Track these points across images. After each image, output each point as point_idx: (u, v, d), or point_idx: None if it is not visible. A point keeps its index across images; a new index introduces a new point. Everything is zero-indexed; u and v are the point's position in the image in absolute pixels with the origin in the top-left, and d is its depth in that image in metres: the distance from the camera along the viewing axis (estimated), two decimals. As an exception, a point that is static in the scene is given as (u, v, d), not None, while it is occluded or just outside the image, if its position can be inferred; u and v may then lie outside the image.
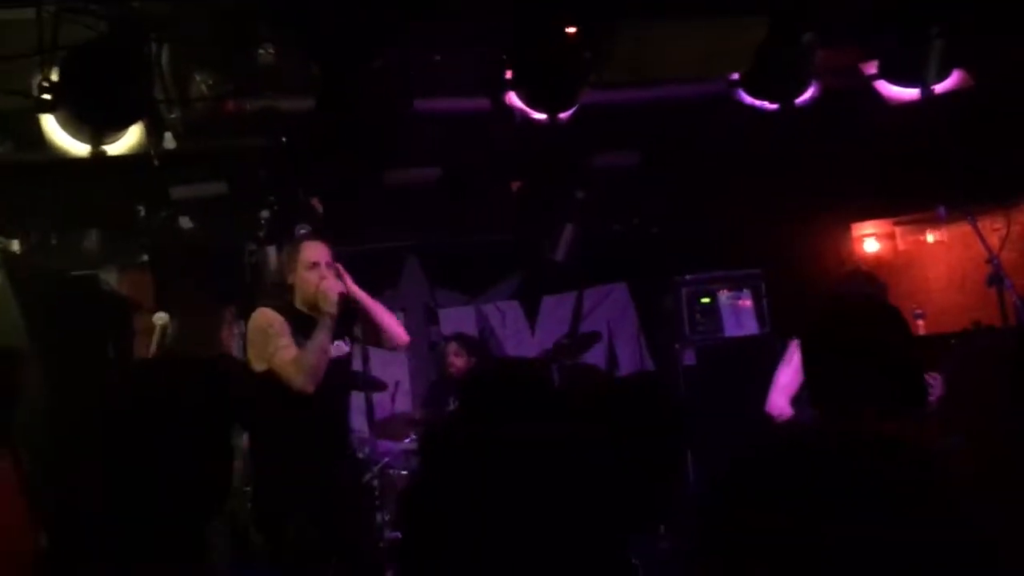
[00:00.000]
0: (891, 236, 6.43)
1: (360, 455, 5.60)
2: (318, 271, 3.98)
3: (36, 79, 3.29)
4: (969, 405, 4.03)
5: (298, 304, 3.99)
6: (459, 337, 6.12)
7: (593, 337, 6.18)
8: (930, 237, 6.23)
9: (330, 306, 3.85)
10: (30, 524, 3.85)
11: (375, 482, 5.35)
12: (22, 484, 3.82)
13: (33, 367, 3.94)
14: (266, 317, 3.94)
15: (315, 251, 4.06)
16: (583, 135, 4.67)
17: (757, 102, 3.76)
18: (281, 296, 4.07)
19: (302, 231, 5.63)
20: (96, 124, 3.36)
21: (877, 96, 3.84)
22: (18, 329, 3.95)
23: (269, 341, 3.85)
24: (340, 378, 4.08)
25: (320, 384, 3.77)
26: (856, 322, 1.99)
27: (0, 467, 3.74)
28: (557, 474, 2.04)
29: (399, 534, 4.99)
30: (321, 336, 3.79)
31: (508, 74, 3.69)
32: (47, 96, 3.24)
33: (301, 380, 3.72)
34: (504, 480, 2.06)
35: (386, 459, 5.54)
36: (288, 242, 4.83)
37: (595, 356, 6.46)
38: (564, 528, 2.03)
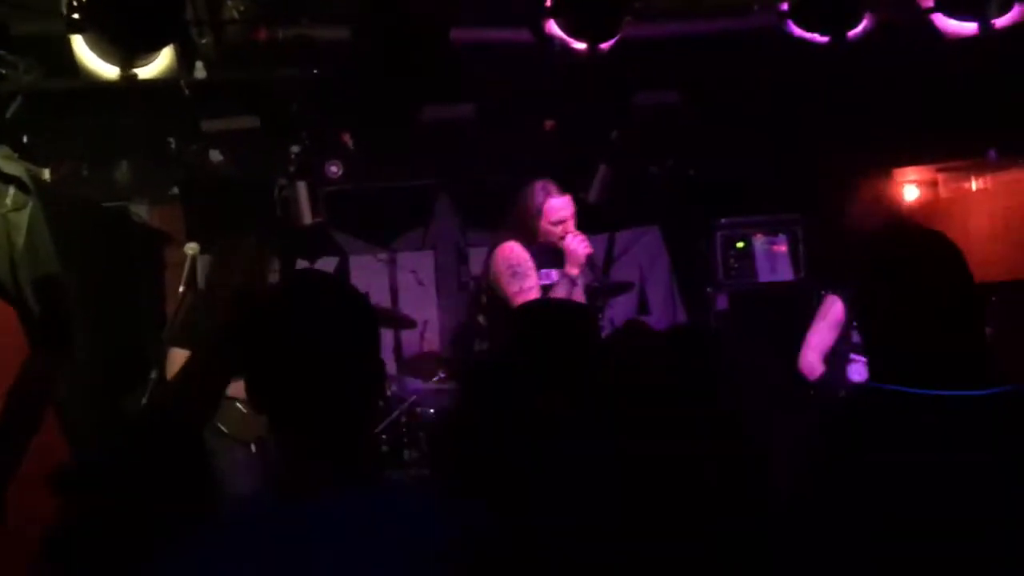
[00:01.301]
0: (933, 183, 6.27)
1: (388, 393, 5.61)
2: (563, 227, 4.23)
3: (66, -1, 3.23)
4: (1013, 358, 3.94)
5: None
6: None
7: (625, 287, 6.12)
8: (974, 185, 6.07)
9: (575, 267, 4.15)
10: (63, 451, 3.89)
11: (403, 419, 5.36)
12: (55, 409, 3.84)
13: (65, 297, 3.94)
14: (515, 254, 4.22)
15: (561, 207, 4.27)
16: (621, 72, 4.55)
17: (807, 34, 3.61)
18: (528, 228, 4.26)
19: (332, 167, 5.59)
20: (126, 45, 3.30)
21: (933, 30, 3.68)
22: (53, 257, 3.93)
23: (513, 280, 4.14)
24: None
25: None
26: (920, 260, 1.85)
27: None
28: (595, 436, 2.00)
29: (428, 471, 5.01)
30: (560, 294, 4.07)
31: (548, 1, 3.57)
32: (76, 15, 3.18)
33: None
34: (545, 428, 2.02)
35: (414, 397, 5.54)
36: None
37: (626, 299, 6.39)
38: (598, 477, 1.99)
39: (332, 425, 1.46)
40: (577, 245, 4.22)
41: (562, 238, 4.26)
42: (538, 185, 4.41)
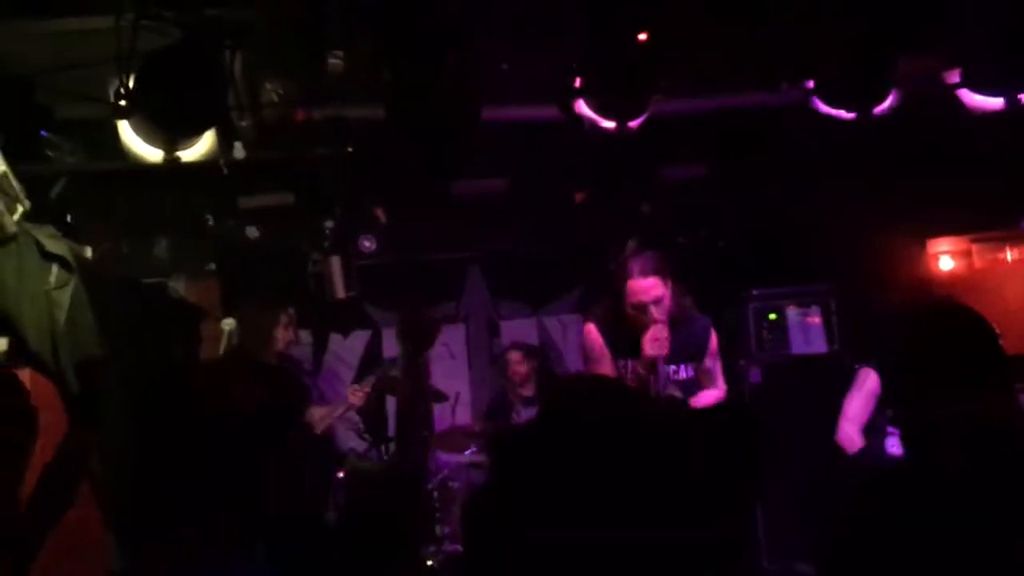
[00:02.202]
0: (967, 254, 6.22)
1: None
2: (647, 315, 3.74)
3: (113, 86, 3.34)
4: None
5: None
6: (521, 345, 6.08)
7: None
8: (1009, 255, 6.02)
9: (643, 366, 3.68)
10: (100, 524, 3.90)
11: (435, 494, 5.33)
12: (93, 487, 3.87)
13: (104, 375, 4.00)
14: (589, 339, 3.97)
15: (640, 292, 3.78)
16: (651, 146, 4.61)
17: (833, 111, 3.65)
18: (615, 306, 3.86)
19: (365, 241, 5.68)
20: (170, 130, 3.40)
21: (959, 105, 3.71)
22: (92, 334, 4.00)
23: (586, 367, 3.96)
24: None
25: None
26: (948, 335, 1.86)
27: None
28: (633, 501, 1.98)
29: (460, 547, 4.96)
30: None
31: (577, 82, 3.65)
32: (123, 103, 3.29)
33: None
34: (579, 497, 2.00)
35: (445, 471, 5.52)
36: None
37: (658, 372, 6.35)
38: (635, 555, 1.97)
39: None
40: (649, 344, 3.69)
41: (645, 328, 3.75)
42: (630, 258, 3.98)
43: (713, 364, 4.19)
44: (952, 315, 2.04)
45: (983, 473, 1.69)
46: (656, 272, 3.87)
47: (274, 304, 4.62)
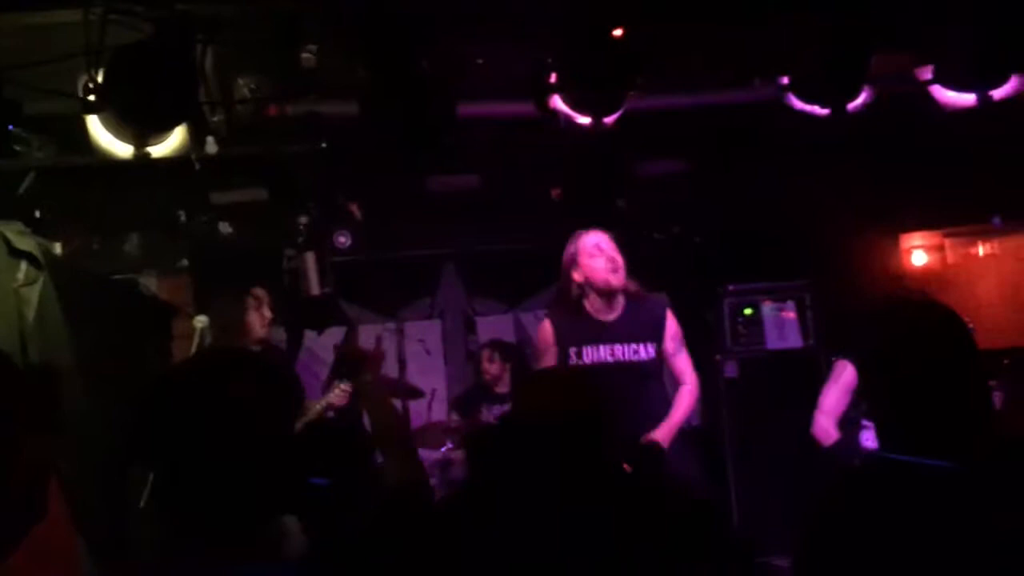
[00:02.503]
0: (940, 248, 6.28)
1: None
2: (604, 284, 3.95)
3: (82, 80, 3.29)
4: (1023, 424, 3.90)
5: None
6: (493, 343, 6.07)
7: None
8: (981, 250, 6.09)
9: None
10: (68, 528, 3.85)
11: (411, 491, 5.31)
12: (60, 485, 3.82)
13: (72, 374, 3.95)
14: (540, 333, 4.07)
15: (599, 251, 3.97)
16: (626, 142, 4.61)
17: (807, 107, 3.66)
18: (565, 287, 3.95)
19: (340, 237, 5.65)
20: (140, 126, 3.36)
21: (932, 102, 3.73)
22: (62, 331, 3.95)
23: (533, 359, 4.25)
24: None
25: None
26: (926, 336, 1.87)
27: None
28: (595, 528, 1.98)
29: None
30: None
31: (552, 78, 3.63)
32: (92, 97, 3.24)
33: None
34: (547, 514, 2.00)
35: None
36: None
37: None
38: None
39: (237, 513, 1.46)
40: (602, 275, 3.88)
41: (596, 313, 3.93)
42: (578, 240, 4.03)
43: (677, 350, 4.12)
44: (926, 310, 2.06)
45: (956, 468, 1.70)
46: (607, 234, 4.06)
47: (238, 292, 4.53)
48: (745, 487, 5.80)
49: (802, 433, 4.55)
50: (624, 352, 3.95)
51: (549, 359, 3.98)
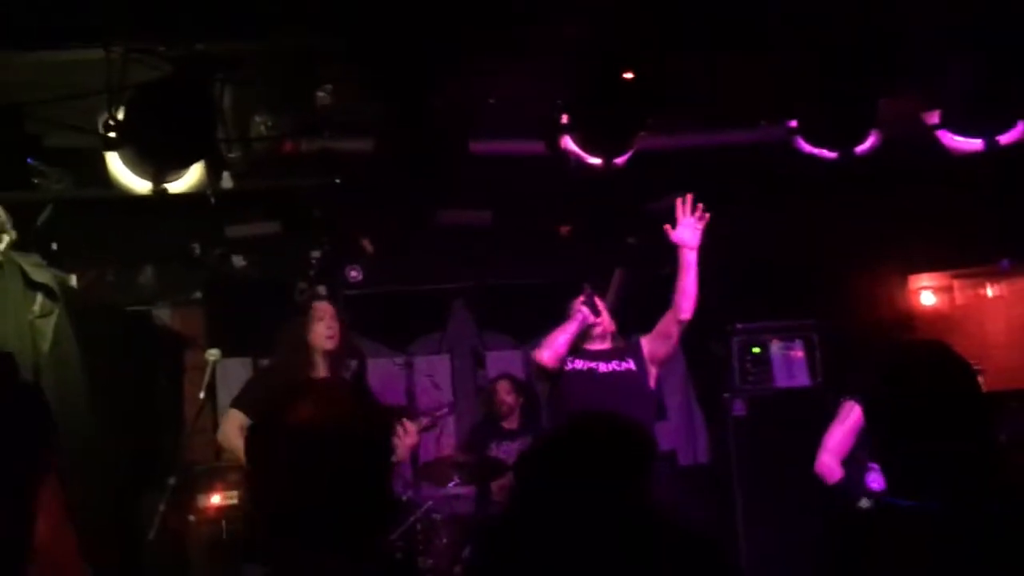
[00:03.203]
0: (949, 289, 6.29)
1: (404, 498, 5.56)
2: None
3: (103, 117, 3.36)
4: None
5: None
6: (510, 376, 6.08)
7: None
8: (990, 291, 6.09)
9: None
10: (78, 555, 3.87)
11: (418, 526, 5.30)
12: (70, 514, 3.84)
13: (86, 405, 3.98)
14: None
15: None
16: (637, 179, 4.65)
17: (816, 150, 3.70)
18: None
19: (352, 271, 5.70)
20: (159, 162, 3.42)
21: (939, 146, 3.76)
22: (76, 363, 3.99)
23: None
24: None
25: None
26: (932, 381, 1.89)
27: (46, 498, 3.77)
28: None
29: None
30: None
31: (564, 118, 3.69)
32: (112, 134, 3.30)
33: None
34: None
35: (429, 503, 5.49)
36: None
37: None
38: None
39: (340, 537, 1.47)
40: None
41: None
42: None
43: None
44: (931, 353, 2.07)
45: (964, 510, 1.71)
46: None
47: (299, 313, 4.48)
48: (753, 525, 5.78)
49: (810, 472, 4.55)
50: (607, 367, 4.45)
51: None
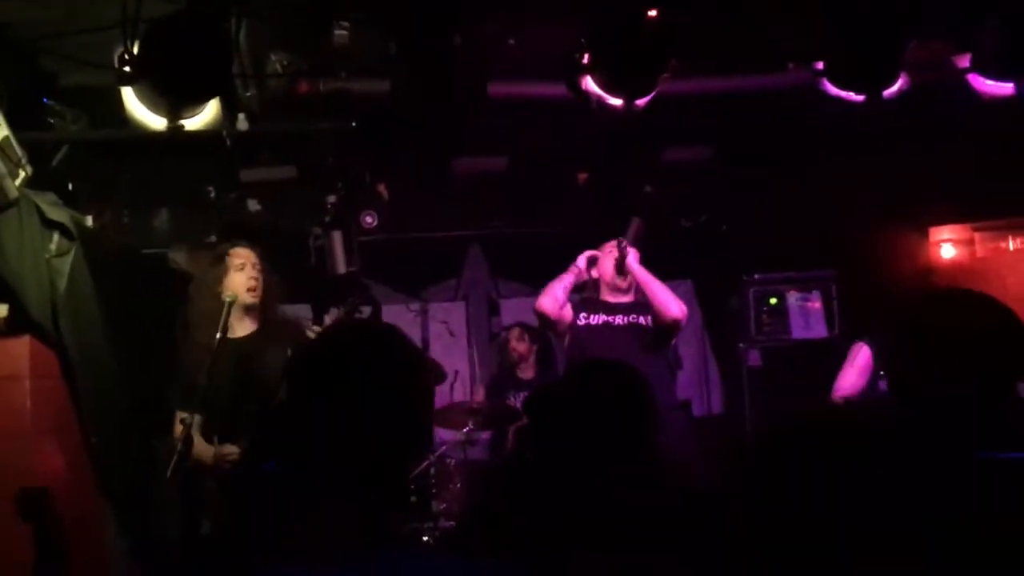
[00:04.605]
0: (970, 242, 6.22)
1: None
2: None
3: (118, 52, 3.31)
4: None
5: None
6: (522, 324, 6.07)
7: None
8: (1011, 244, 6.02)
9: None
10: (95, 490, 3.91)
11: (431, 471, 5.34)
12: (87, 451, 3.88)
13: (101, 344, 3.99)
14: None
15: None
16: (656, 127, 4.58)
17: (842, 93, 3.63)
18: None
19: (367, 217, 5.66)
20: (174, 98, 3.38)
21: (969, 90, 3.68)
22: (92, 303, 3.99)
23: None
24: None
25: None
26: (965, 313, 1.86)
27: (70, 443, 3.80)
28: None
29: (454, 523, 4.97)
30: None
31: (585, 58, 3.62)
32: (127, 69, 3.26)
33: None
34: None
35: (443, 447, 5.52)
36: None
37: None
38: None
39: (368, 488, 1.44)
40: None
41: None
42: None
43: None
44: (956, 293, 2.04)
45: (970, 448, 1.70)
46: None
47: (218, 255, 3.92)
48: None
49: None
50: (624, 320, 4.49)
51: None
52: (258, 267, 3.87)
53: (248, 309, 3.85)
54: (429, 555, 1.48)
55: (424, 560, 1.45)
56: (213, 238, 5.52)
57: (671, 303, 4.41)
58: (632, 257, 4.53)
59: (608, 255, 4.60)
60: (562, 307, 4.50)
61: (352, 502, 1.42)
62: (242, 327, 3.87)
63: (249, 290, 3.80)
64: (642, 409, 2.20)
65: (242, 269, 3.83)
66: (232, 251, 3.89)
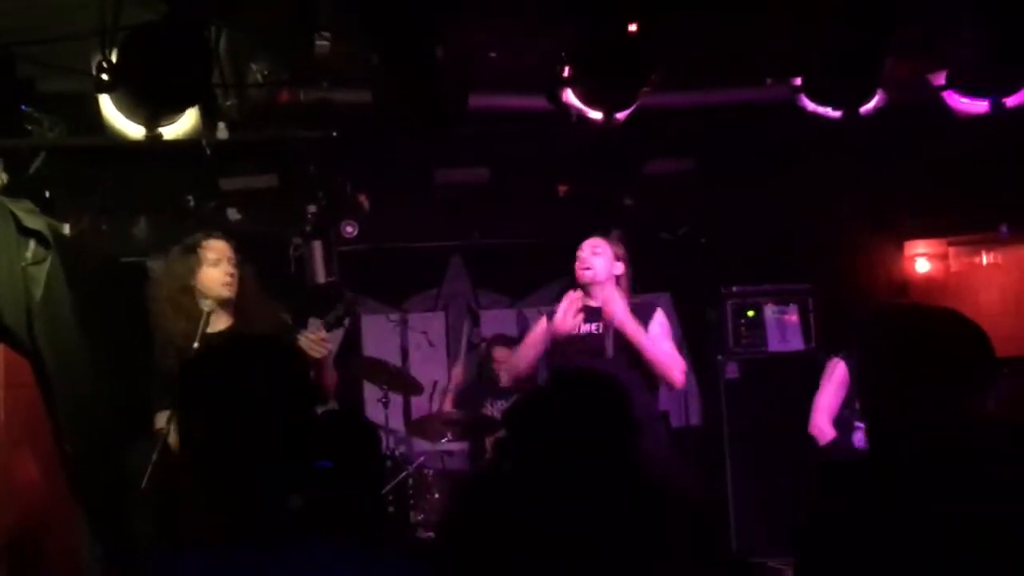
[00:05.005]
0: (944, 257, 6.27)
1: (396, 454, 5.58)
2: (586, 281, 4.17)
3: (96, 59, 3.30)
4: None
5: None
6: (502, 338, 6.08)
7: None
8: (985, 259, 6.09)
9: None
10: (69, 500, 3.87)
11: (409, 481, 5.32)
12: (62, 461, 3.84)
13: (78, 353, 3.96)
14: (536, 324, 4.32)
15: (587, 245, 4.21)
16: (636, 140, 4.61)
17: (819, 109, 3.66)
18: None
19: (347, 227, 5.66)
20: (153, 106, 3.36)
21: (941, 109, 3.73)
22: (69, 311, 3.96)
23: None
24: None
25: None
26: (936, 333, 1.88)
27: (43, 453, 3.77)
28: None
29: (432, 534, 4.96)
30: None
31: (566, 71, 3.64)
32: (105, 76, 3.25)
33: None
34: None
35: (421, 458, 5.51)
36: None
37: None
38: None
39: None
40: (560, 316, 4.06)
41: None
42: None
43: (662, 338, 4.19)
44: (927, 312, 2.07)
45: (946, 468, 1.71)
46: (606, 238, 4.27)
47: (188, 246, 3.70)
48: (743, 488, 5.82)
49: (801, 436, 4.58)
50: (606, 327, 4.10)
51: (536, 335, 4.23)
52: (233, 261, 3.70)
53: (224, 304, 3.68)
54: (329, 546, 1.53)
55: (321, 551, 1.51)
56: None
57: (673, 369, 4.10)
58: (621, 310, 4.04)
59: (569, 309, 4.10)
60: (534, 368, 4.27)
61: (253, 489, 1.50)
62: (219, 321, 3.69)
63: (224, 285, 3.64)
64: (621, 415, 2.21)
65: (217, 264, 3.65)
66: (205, 243, 3.69)
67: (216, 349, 1.76)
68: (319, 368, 3.63)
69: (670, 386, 4.19)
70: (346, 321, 4.07)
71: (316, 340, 3.55)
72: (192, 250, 3.70)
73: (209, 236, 3.77)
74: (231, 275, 3.67)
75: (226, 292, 3.66)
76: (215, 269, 3.66)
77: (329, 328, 3.68)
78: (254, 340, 1.77)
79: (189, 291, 3.64)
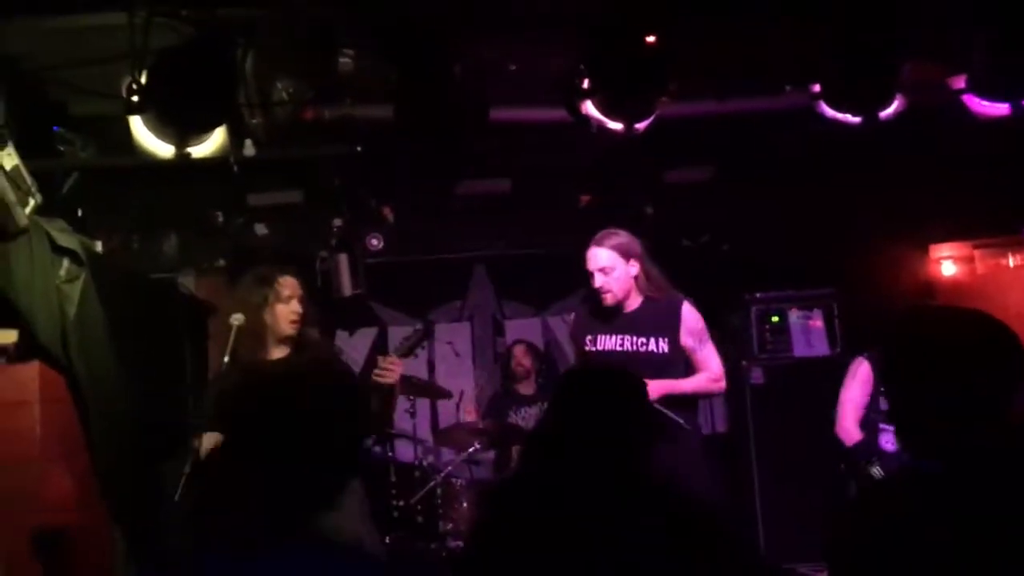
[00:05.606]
0: (970, 259, 6.24)
1: (424, 463, 5.63)
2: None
3: (126, 82, 3.39)
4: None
5: None
6: (526, 341, 6.13)
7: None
8: (1011, 261, 6.05)
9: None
10: (106, 518, 3.95)
11: (437, 491, 5.37)
12: (97, 479, 3.91)
13: (111, 370, 4.03)
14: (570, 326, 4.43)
15: (591, 256, 4.02)
16: (656, 148, 4.64)
17: (839, 115, 3.68)
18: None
19: (372, 240, 5.73)
20: (181, 126, 3.45)
21: (965, 111, 3.73)
22: (102, 328, 4.04)
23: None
24: None
25: None
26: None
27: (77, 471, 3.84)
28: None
29: (462, 543, 5.00)
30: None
31: (585, 83, 3.68)
32: (136, 98, 3.33)
33: None
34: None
35: (449, 468, 5.56)
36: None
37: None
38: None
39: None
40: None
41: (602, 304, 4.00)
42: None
43: (698, 345, 4.07)
44: (955, 313, 2.06)
45: (983, 474, 1.71)
46: (609, 244, 4.01)
47: (260, 281, 3.76)
48: (769, 494, 5.81)
49: (826, 441, 4.57)
50: (633, 343, 3.97)
51: (575, 349, 4.23)
52: (303, 298, 3.77)
53: (285, 338, 3.74)
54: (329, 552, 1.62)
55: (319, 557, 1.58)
56: (221, 262, 5.59)
57: (714, 387, 4.10)
58: (654, 393, 3.52)
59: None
60: None
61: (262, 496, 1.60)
62: (278, 351, 3.76)
63: (292, 323, 3.71)
64: (642, 416, 2.24)
65: (288, 302, 3.72)
66: (281, 279, 3.75)
67: (277, 377, 1.85)
68: (390, 396, 3.58)
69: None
70: (417, 350, 4.06)
71: (387, 366, 3.54)
72: (267, 283, 3.75)
73: (283, 272, 3.83)
74: (298, 314, 3.73)
75: (291, 330, 3.72)
76: (286, 306, 3.72)
77: (401, 355, 3.67)
78: (314, 368, 1.86)
79: (260, 322, 3.70)
